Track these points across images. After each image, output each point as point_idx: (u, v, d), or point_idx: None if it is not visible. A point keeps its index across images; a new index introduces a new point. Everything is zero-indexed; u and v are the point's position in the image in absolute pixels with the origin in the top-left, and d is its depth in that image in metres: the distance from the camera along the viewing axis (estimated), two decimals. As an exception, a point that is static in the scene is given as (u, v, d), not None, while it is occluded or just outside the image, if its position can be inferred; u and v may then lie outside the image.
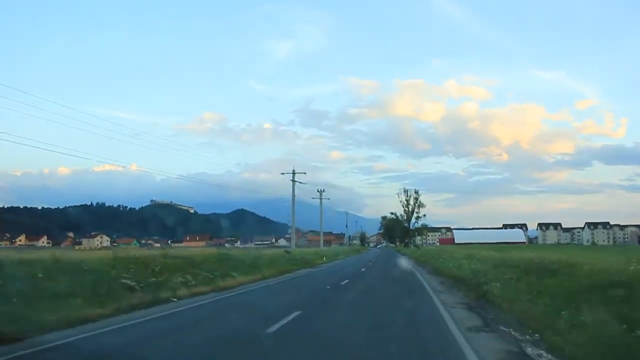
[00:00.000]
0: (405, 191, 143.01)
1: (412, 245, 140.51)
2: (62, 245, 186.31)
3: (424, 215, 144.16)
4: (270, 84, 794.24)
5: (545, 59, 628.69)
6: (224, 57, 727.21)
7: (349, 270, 39.63)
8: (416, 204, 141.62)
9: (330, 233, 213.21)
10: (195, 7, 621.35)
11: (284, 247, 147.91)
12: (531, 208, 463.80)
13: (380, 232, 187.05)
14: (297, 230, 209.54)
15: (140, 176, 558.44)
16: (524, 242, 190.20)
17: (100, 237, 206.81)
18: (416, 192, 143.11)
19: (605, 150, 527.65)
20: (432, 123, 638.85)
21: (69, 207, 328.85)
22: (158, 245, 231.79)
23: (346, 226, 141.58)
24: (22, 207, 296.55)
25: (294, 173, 53.71)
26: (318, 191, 77.59)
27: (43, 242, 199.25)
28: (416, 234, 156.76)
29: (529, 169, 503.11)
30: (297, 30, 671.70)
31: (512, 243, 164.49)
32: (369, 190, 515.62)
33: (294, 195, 53.71)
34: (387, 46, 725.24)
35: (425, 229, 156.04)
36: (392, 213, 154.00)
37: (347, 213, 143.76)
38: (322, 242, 79.66)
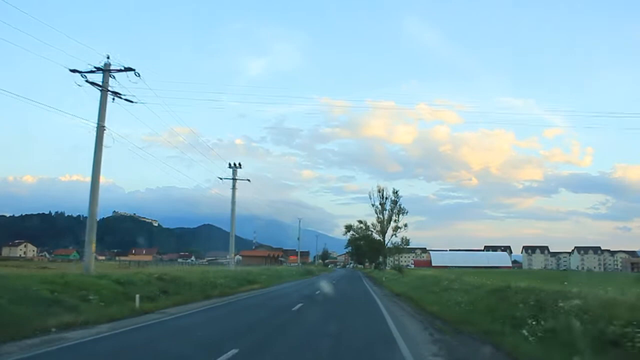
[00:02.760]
0: (380, 191, 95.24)
1: (384, 267, 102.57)
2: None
3: (405, 225, 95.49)
4: (243, 101, 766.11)
5: (515, 86, 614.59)
6: (196, 72, 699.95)
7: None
8: (394, 210, 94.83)
9: (293, 251, 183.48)
10: (169, 21, 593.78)
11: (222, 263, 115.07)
12: (501, 233, 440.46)
13: (347, 250, 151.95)
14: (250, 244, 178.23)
15: (107, 187, 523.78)
16: (510, 267, 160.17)
17: (25, 246, 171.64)
18: (395, 192, 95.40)
19: (572, 179, 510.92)
20: (403, 145, 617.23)
21: (25, 215, 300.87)
22: (103, 258, 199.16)
23: (298, 239, 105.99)
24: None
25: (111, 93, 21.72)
26: (230, 167, 45.18)
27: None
28: (393, 252, 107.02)
29: (498, 195, 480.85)
30: (271, 48, 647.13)
31: (496, 267, 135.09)
32: (340, 210, 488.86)
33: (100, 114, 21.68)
34: (360, 67, 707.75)
35: (404, 247, 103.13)
36: (360, 221, 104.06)
37: (299, 220, 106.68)
38: (232, 256, 46.58)
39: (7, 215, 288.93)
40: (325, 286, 39.69)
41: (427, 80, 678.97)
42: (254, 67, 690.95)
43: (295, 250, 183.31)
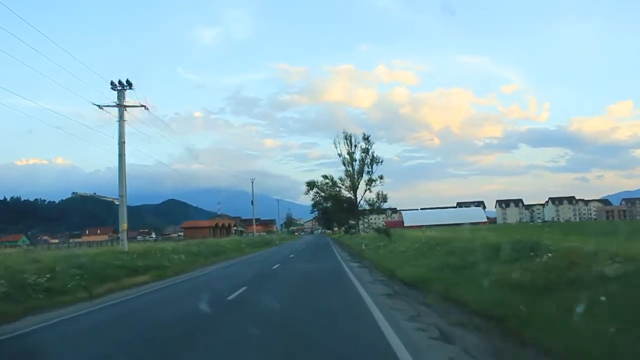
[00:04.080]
0: (347, 138, 74.89)
1: (358, 231, 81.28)
2: None
3: (381, 178, 74.98)
4: (199, 72, 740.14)
5: (471, 44, 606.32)
6: (148, 44, 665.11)
7: None
8: (366, 160, 74.16)
9: (259, 219, 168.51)
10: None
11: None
12: (465, 190, 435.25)
13: (314, 215, 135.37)
14: (218, 215, 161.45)
15: (65, 169, 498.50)
16: (485, 222, 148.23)
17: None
18: (366, 138, 75.03)
19: (531, 134, 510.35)
20: (364, 109, 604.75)
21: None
22: (56, 241, 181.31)
23: (252, 202, 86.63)
24: None
25: None
26: (113, 87, 25.11)
27: None
28: (367, 212, 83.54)
29: (460, 153, 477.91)
30: (224, 16, 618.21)
31: (473, 224, 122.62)
32: (305, 177, 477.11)
33: None
34: (316, 32, 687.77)
35: (381, 204, 79.62)
36: (325, 177, 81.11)
37: (252, 181, 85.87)
38: (123, 228, 27.67)
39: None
40: (267, 269, 24.04)
41: (383, 43, 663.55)
42: (207, 36, 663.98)
43: (258, 218, 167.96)
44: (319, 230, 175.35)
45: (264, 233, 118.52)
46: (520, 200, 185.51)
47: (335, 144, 75.14)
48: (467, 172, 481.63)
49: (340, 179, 78.12)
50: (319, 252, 43.70)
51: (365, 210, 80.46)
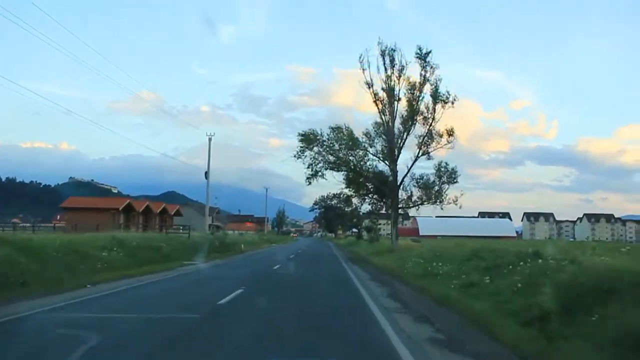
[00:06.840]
0: (387, 53, 32.72)
1: (394, 237, 35.26)
2: None
3: (450, 134, 33.40)
4: (211, 68, 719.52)
5: (482, 57, 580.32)
6: (161, 37, 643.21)
7: None
8: (420, 99, 33.14)
9: (252, 217, 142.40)
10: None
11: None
12: (471, 203, 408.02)
13: (315, 212, 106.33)
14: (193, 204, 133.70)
15: (69, 154, 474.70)
16: (514, 237, 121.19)
17: None
18: (423, 57, 32.22)
19: (538, 151, 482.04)
20: (372, 115, 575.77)
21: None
22: (28, 225, 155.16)
23: (205, 175, 39.24)
24: None
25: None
26: None
27: None
28: (411, 204, 37.08)
29: (466, 166, 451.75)
30: (241, 14, 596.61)
31: (499, 237, 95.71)
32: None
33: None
34: (329, 34, 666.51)
35: (442, 185, 35.49)
36: (336, 128, 35.59)
37: (210, 138, 48.44)
38: None
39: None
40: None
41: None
42: (223, 34, 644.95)
43: (251, 215, 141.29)
44: (319, 233, 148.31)
45: (253, 232, 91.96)
46: (552, 215, 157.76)
47: (362, 64, 33.33)
48: (471, 185, 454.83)
49: (367, 134, 36.29)
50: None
51: (409, 198, 37.26)
